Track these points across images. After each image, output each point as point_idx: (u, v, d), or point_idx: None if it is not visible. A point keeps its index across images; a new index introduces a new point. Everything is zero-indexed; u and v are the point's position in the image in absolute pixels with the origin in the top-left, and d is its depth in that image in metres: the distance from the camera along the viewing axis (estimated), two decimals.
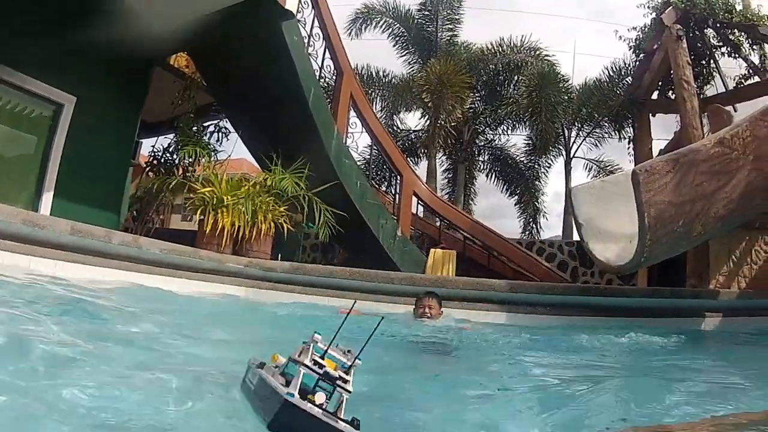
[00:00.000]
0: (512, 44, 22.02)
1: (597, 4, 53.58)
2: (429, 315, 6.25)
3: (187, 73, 11.23)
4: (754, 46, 12.75)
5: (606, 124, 20.17)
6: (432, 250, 13.80)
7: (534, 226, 23.35)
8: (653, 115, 13.73)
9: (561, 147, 22.37)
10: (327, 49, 11.67)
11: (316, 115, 10.30)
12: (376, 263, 9.74)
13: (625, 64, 19.06)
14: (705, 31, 12.40)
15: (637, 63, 14.56)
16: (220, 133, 10.88)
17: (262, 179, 9.08)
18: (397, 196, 14.86)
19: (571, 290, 9.27)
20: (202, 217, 8.22)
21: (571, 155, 22.56)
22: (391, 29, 23.02)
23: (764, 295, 8.53)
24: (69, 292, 4.39)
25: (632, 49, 14.43)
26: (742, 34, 12.25)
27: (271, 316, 6.30)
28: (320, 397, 1.53)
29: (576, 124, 21.84)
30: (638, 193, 6.34)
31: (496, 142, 24.20)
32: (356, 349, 1.74)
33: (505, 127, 23.54)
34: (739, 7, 11.64)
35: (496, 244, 15.75)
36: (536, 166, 23.50)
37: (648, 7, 13.38)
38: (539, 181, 23.69)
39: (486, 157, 24.40)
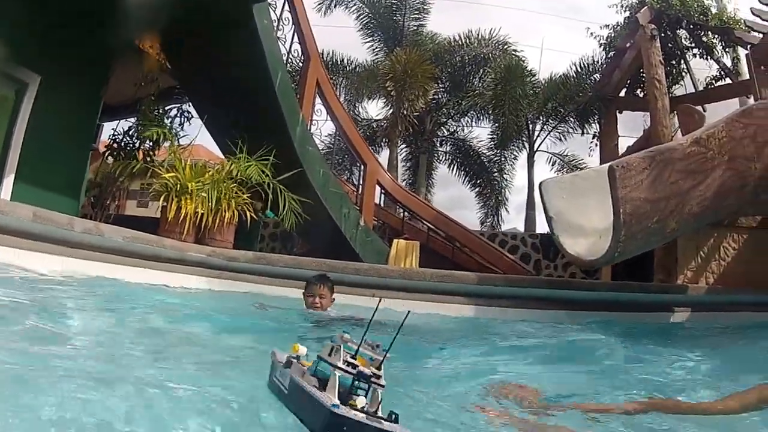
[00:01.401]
0: (480, 37, 21.98)
1: (566, 1, 53.83)
2: (320, 305, 5.50)
3: (152, 55, 10.78)
4: (727, 49, 12.93)
5: (572, 119, 20.32)
6: (395, 240, 13.65)
7: (495, 218, 23.42)
8: (620, 112, 13.81)
9: (525, 140, 22.42)
10: (296, 34, 11.38)
11: (282, 101, 10.00)
12: (337, 253, 9.52)
13: (593, 60, 19.20)
14: (677, 32, 12.52)
15: (608, 60, 14.64)
16: (182, 117, 10.46)
17: (227, 166, 8.72)
18: (360, 185, 14.67)
19: (539, 283, 9.31)
20: (165, 203, 7.87)
21: (535, 149, 22.67)
22: (359, 13, 22.75)
23: (733, 291, 8.72)
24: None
25: (603, 47, 14.58)
26: (716, 36, 12.38)
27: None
28: (361, 401, 1.56)
29: (541, 118, 21.90)
30: (614, 188, 6.39)
31: (459, 133, 24.24)
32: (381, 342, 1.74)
33: (468, 119, 23.62)
34: (714, 10, 11.75)
35: (460, 235, 15.66)
36: (499, 159, 23.52)
37: (621, 6, 13.51)
38: (502, 174, 23.76)
39: (448, 149, 24.38)
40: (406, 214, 16.48)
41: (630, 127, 14.89)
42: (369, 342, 1.70)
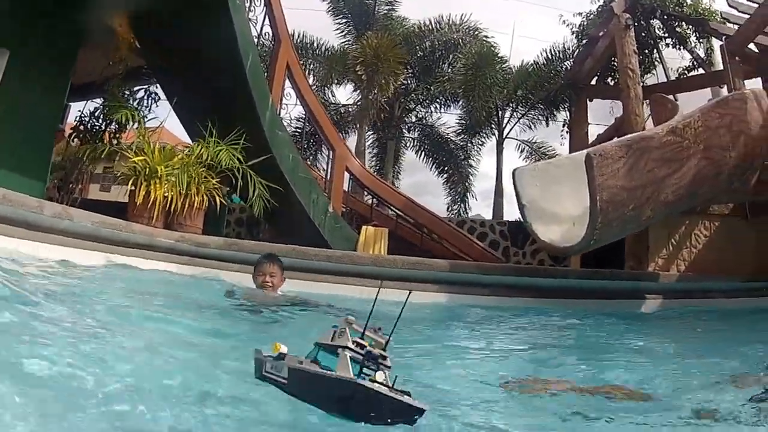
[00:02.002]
0: (451, 23, 21.85)
1: None
2: (271, 285, 5.30)
3: (121, 33, 10.42)
4: (701, 40, 13.05)
5: (541, 106, 20.35)
6: (364, 227, 13.50)
7: (463, 204, 23.43)
8: (590, 100, 13.85)
9: (494, 127, 22.40)
10: (267, 15, 11.11)
11: (252, 84, 9.71)
12: (304, 240, 9.35)
13: (564, 48, 19.20)
14: (651, 21, 12.60)
15: (580, 48, 14.65)
16: (149, 99, 10.14)
17: (197, 149, 8.48)
18: (328, 171, 14.49)
19: (511, 271, 9.33)
20: (133, 187, 7.62)
21: (504, 136, 22.65)
22: None
23: (705, 277, 8.88)
24: None
25: (575, 35, 14.58)
26: (690, 27, 12.48)
27: None
28: (380, 376, 1.58)
29: (510, 105, 21.87)
30: (591, 176, 6.44)
31: (427, 119, 24.09)
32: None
33: (437, 106, 23.47)
34: (689, 1, 11.83)
35: (430, 222, 15.55)
36: (467, 146, 23.48)
37: None
38: (469, 161, 23.76)
39: (416, 135, 24.28)
40: (374, 200, 16.33)
41: (599, 115, 14.97)
42: (371, 326, 1.71)
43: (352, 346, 1.63)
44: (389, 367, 1.65)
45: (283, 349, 1.87)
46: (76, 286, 4.26)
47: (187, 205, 7.89)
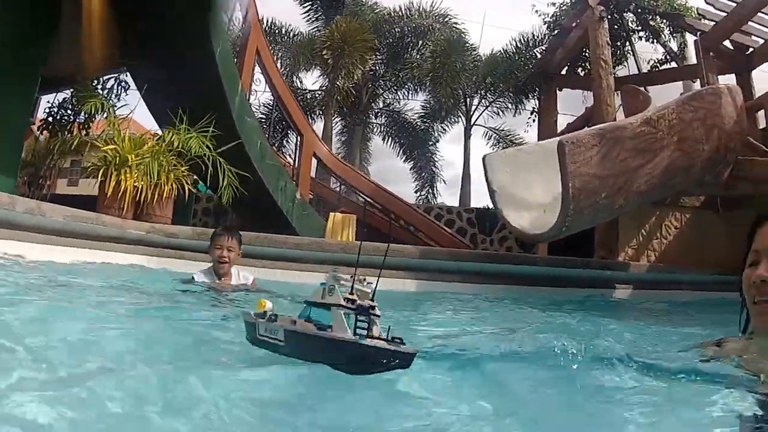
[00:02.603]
0: (421, 9, 21.76)
1: None
2: (227, 259, 5.04)
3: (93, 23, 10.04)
4: (675, 34, 13.19)
5: (510, 94, 20.40)
6: (331, 214, 13.43)
7: (431, 191, 23.45)
8: (560, 90, 13.91)
9: (461, 114, 22.40)
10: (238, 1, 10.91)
11: (222, 70, 9.54)
12: (272, 228, 9.18)
13: (533, 36, 19.25)
14: (624, 14, 12.69)
15: (551, 38, 14.70)
16: (119, 88, 9.83)
17: (167, 137, 8.27)
18: (296, 157, 14.36)
19: (482, 258, 9.36)
20: (103, 178, 7.39)
21: (472, 123, 22.68)
22: None
23: (675, 269, 9.01)
24: None
25: (547, 25, 14.61)
26: (664, 21, 12.60)
27: None
28: (376, 330, 1.68)
29: (479, 92, 21.86)
30: (564, 163, 6.44)
31: (395, 106, 24.02)
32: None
33: (405, 92, 23.38)
34: None
35: (399, 210, 15.55)
36: (434, 132, 23.50)
37: None
38: (437, 145, 23.86)
39: (383, 121, 24.17)
40: (342, 187, 16.25)
41: (567, 104, 15.04)
42: (358, 278, 1.77)
43: (344, 303, 1.68)
44: (378, 316, 1.71)
45: (268, 305, 1.94)
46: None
47: (156, 195, 7.70)
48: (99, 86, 9.59)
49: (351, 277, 1.76)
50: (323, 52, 18.10)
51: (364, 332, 1.67)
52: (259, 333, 1.96)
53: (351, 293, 1.72)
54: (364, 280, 1.79)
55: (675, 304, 7.32)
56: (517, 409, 1.78)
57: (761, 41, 10.71)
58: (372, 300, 1.74)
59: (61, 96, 9.74)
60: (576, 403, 1.86)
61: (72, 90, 9.56)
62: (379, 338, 1.66)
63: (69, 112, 9.38)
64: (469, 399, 1.78)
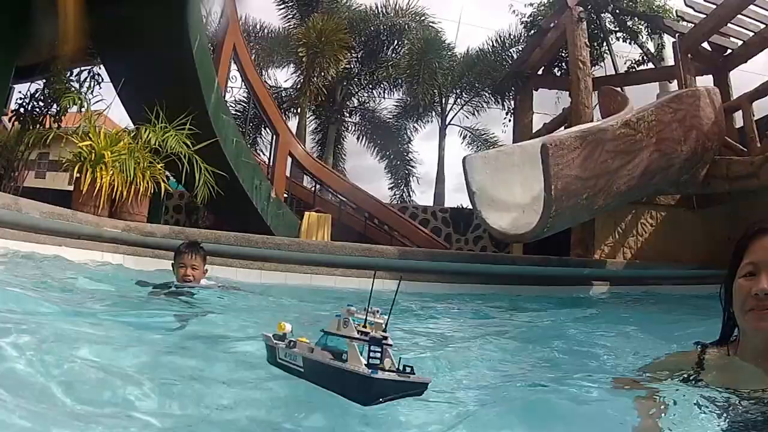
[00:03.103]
0: (397, 7, 21.70)
1: None
2: (192, 278, 4.78)
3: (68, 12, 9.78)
4: (653, 35, 13.31)
5: (486, 93, 20.46)
6: (306, 213, 13.34)
7: (406, 190, 23.43)
8: (536, 89, 13.96)
9: (436, 113, 22.41)
10: None
11: (199, 66, 9.39)
12: (246, 226, 9.12)
13: (510, 36, 19.33)
14: (602, 15, 12.78)
15: (528, 38, 14.75)
16: (93, 81, 9.59)
17: (144, 133, 8.10)
18: (271, 155, 14.23)
19: (462, 257, 9.42)
20: (78, 174, 7.21)
21: (447, 122, 22.69)
22: None
23: (653, 265, 9.23)
24: None
25: (525, 24, 14.66)
26: (642, 22, 12.71)
27: None
28: (388, 362, 1.75)
29: (455, 91, 21.87)
30: (547, 165, 6.52)
31: (369, 104, 23.96)
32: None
33: (380, 91, 23.30)
34: None
35: (375, 209, 15.50)
36: (409, 131, 23.52)
37: None
38: (411, 144, 23.88)
39: (357, 119, 24.10)
40: (317, 186, 16.17)
41: (542, 104, 15.10)
42: (371, 310, 1.83)
43: (357, 335, 1.77)
44: (391, 345, 1.79)
45: (287, 327, 2.05)
46: None
47: (132, 192, 7.55)
48: (72, 78, 9.34)
49: (365, 309, 1.83)
50: (299, 50, 17.93)
51: (377, 361, 1.74)
52: (279, 357, 2.07)
53: (364, 326, 1.81)
54: (378, 311, 1.86)
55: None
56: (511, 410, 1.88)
57: (739, 42, 10.83)
58: (384, 331, 1.82)
59: (33, 86, 9.48)
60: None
61: (45, 81, 9.33)
62: (390, 370, 1.74)
63: (41, 103, 9.13)
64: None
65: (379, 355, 1.75)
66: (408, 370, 1.75)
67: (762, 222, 1.97)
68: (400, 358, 1.79)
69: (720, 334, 2.12)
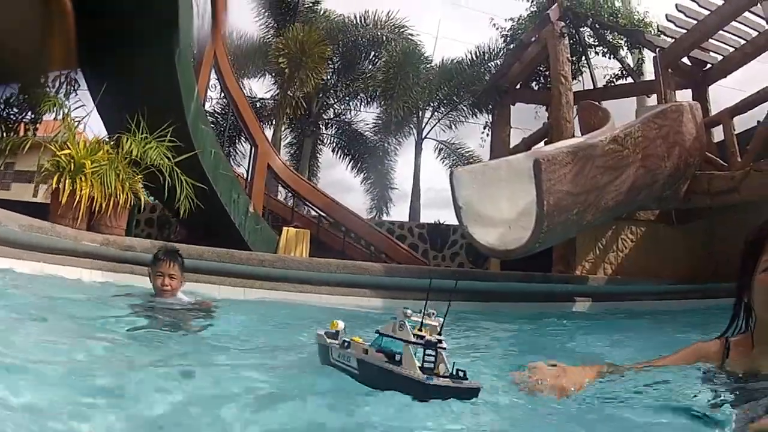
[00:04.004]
0: (377, 19, 21.65)
1: None
2: (170, 288, 4.55)
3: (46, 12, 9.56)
4: (633, 50, 13.44)
5: (464, 107, 20.52)
6: (285, 228, 13.22)
7: (384, 205, 23.39)
8: (513, 104, 14.01)
9: (413, 127, 22.38)
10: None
11: (180, 74, 9.18)
12: (220, 240, 8.96)
13: (489, 49, 19.40)
14: (581, 29, 12.88)
15: (508, 52, 14.82)
16: (69, 86, 9.35)
17: (126, 144, 7.89)
18: (250, 168, 14.08)
19: (446, 274, 9.37)
20: (56, 185, 6.97)
21: (423, 136, 22.69)
22: None
23: (633, 281, 9.31)
24: None
25: (505, 39, 14.74)
26: (621, 36, 12.83)
27: None
28: (442, 368, 1.85)
29: (431, 105, 21.91)
30: (539, 180, 6.52)
31: (346, 116, 23.92)
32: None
33: (357, 103, 23.27)
34: (623, 11, 12.17)
35: (353, 225, 15.40)
36: (385, 144, 23.41)
37: (527, 0, 13.83)
38: (387, 158, 23.81)
39: (333, 132, 24.00)
40: (294, 200, 16.05)
41: (518, 118, 15.16)
42: (426, 314, 1.92)
43: (413, 339, 1.84)
44: (445, 348, 1.87)
45: (340, 325, 2.14)
46: None
47: (111, 205, 7.35)
48: (48, 84, 9.13)
49: (421, 312, 1.90)
50: (280, 61, 17.75)
51: (431, 365, 1.83)
52: (333, 357, 2.13)
53: (420, 329, 1.88)
54: (433, 313, 1.93)
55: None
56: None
57: (719, 57, 10.97)
58: (439, 334, 1.89)
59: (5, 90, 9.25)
60: None
61: (19, 86, 9.10)
62: (444, 375, 1.83)
63: (15, 110, 8.90)
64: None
65: (433, 358, 1.85)
66: (461, 374, 1.85)
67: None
68: (453, 362, 1.88)
69: (733, 328, 2.21)
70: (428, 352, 1.85)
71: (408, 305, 1.91)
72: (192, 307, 4.63)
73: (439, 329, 1.91)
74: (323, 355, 2.21)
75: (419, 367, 1.81)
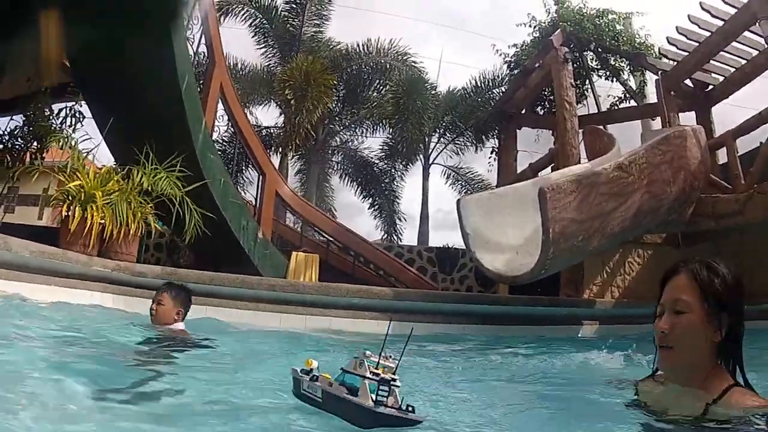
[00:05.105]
0: (379, 47, 21.79)
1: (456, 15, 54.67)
2: (154, 311, 4.80)
3: (49, 48, 9.72)
4: (635, 73, 13.56)
5: (470, 133, 20.63)
6: (294, 253, 13.29)
7: (392, 230, 23.39)
8: (519, 129, 14.12)
9: (420, 153, 22.48)
10: (203, 35, 10.80)
11: (187, 106, 9.35)
12: (230, 265, 9.12)
13: (494, 76, 19.58)
14: (584, 53, 13.01)
15: (512, 77, 14.96)
16: (73, 118, 9.52)
17: (136, 176, 8.02)
18: (258, 195, 14.21)
19: (456, 298, 9.53)
20: (67, 213, 7.09)
21: (430, 161, 22.81)
22: (252, 20, 21.78)
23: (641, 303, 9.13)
24: None
25: (508, 64, 14.89)
26: (624, 60, 12.96)
27: None
28: (391, 400, 2.08)
29: (437, 130, 22.04)
30: (545, 209, 6.61)
31: (352, 143, 24.08)
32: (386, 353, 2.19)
33: (363, 130, 23.42)
34: (624, 37, 12.31)
35: (362, 249, 15.47)
36: (391, 171, 23.52)
37: (530, 26, 13.99)
38: (392, 186, 23.85)
39: (339, 159, 24.12)
40: (305, 226, 16.17)
41: (522, 140, 15.25)
42: (383, 355, 2.16)
43: (370, 376, 2.09)
44: (398, 386, 2.11)
45: (314, 364, 2.33)
46: None
47: (122, 233, 7.46)
48: (52, 115, 9.31)
49: (379, 354, 2.16)
50: (286, 92, 17.89)
51: (383, 398, 2.07)
52: (302, 388, 2.35)
53: (376, 368, 2.14)
54: (390, 356, 2.19)
55: None
56: None
57: (720, 78, 11.06)
58: (394, 374, 2.14)
59: (11, 122, 9.44)
60: None
61: (24, 118, 9.27)
62: (392, 407, 2.07)
63: (20, 140, 9.06)
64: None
65: (386, 393, 2.09)
66: (410, 409, 2.08)
67: (676, 263, 2.21)
68: (403, 398, 2.11)
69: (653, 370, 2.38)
70: (382, 387, 2.09)
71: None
72: (180, 340, 4.67)
73: (394, 370, 2.16)
74: (295, 387, 2.42)
75: (373, 399, 2.05)
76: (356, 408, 2.08)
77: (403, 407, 2.09)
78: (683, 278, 2.13)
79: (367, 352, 2.17)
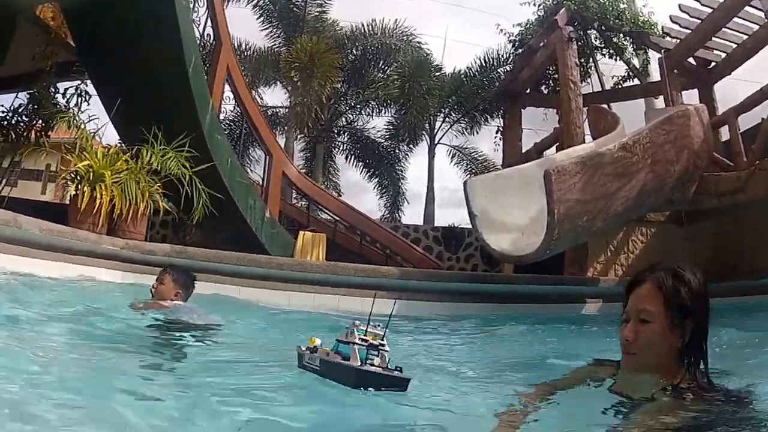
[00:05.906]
0: (384, 27, 21.77)
1: None
2: (153, 289, 4.93)
3: (52, 27, 9.79)
4: (638, 51, 13.53)
5: (476, 113, 20.64)
6: (301, 232, 13.40)
7: (397, 210, 23.46)
8: (524, 108, 14.12)
9: (425, 133, 22.47)
10: (209, 17, 10.83)
11: (193, 87, 9.43)
12: (236, 244, 9.27)
13: (498, 55, 19.56)
14: (588, 32, 12.98)
15: (517, 57, 14.94)
16: (79, 97, 9.58)
17: (145, 155, 8.12)
18: (265, 175, 14.28)
19: (463, 278, 9.78)
20: (76, 191, 7.22)
21: (436, 141, 22.84)
22: (256, 0, 21.72)
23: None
24: None
25: (513, 44, 14.87)
26: (627, 38, 12.93)
27: None
28: (377, 361, 2.37)
29: (443, 111, 22.07)
30: (550, 191, 6.66)
31: (357, 124, 24.05)
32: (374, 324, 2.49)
33: (368, 110, 23.40)
34: (628, 15, 12.26)
35: (369, 229, 15.57)
36: (395, 151, 23.61)
37: (535, 4, 13.97)
38: (400, 164, 23.98)
39: (345, 139, 24.15)
40: (311, 206, 16.26)
41: (528, 119, 15.27)
42: (372, 324, 2.46)
43: (359, 341, 2.37)
44: (387, 351, 2.41)
45: (317, 341, 2.62)
46: None
47: (131, 212, 7.57)
48: (57, 92, 9.38)
49: (366, 323, 2.45)
50: (292, 74, 17.89)
51: (371, 361, 2.35)
52: (305, 361, 2.67)
53: (365, 335, 2.42)
54: (378, 325, 2.47)
55: None
56: None
57: (722, 55, 11.08)
58: (382, 339, 2.43)
59: (12, 97, 9.49)
60: None
61: (29, 96, 9.32)
62: (379, 366, 2.35)
63: (25, 118, 9.14)
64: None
65: (374, 357, 2.37)
66: (396, 368, 2.38)
67: (642, 272, 2.27)
68: (390, 359, 2.40)
69: None
70: (371, 351, 2.38)
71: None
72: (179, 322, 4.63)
73: (383, 336, 2.45)
74: (299, 360, 2.71)
75: (361, 362, 2.34)
76: (345, 369, 2.36)
77: (389, 367, 2.37)
78: (648, 288, 2.17)
79: (356, 322, 2.46)
